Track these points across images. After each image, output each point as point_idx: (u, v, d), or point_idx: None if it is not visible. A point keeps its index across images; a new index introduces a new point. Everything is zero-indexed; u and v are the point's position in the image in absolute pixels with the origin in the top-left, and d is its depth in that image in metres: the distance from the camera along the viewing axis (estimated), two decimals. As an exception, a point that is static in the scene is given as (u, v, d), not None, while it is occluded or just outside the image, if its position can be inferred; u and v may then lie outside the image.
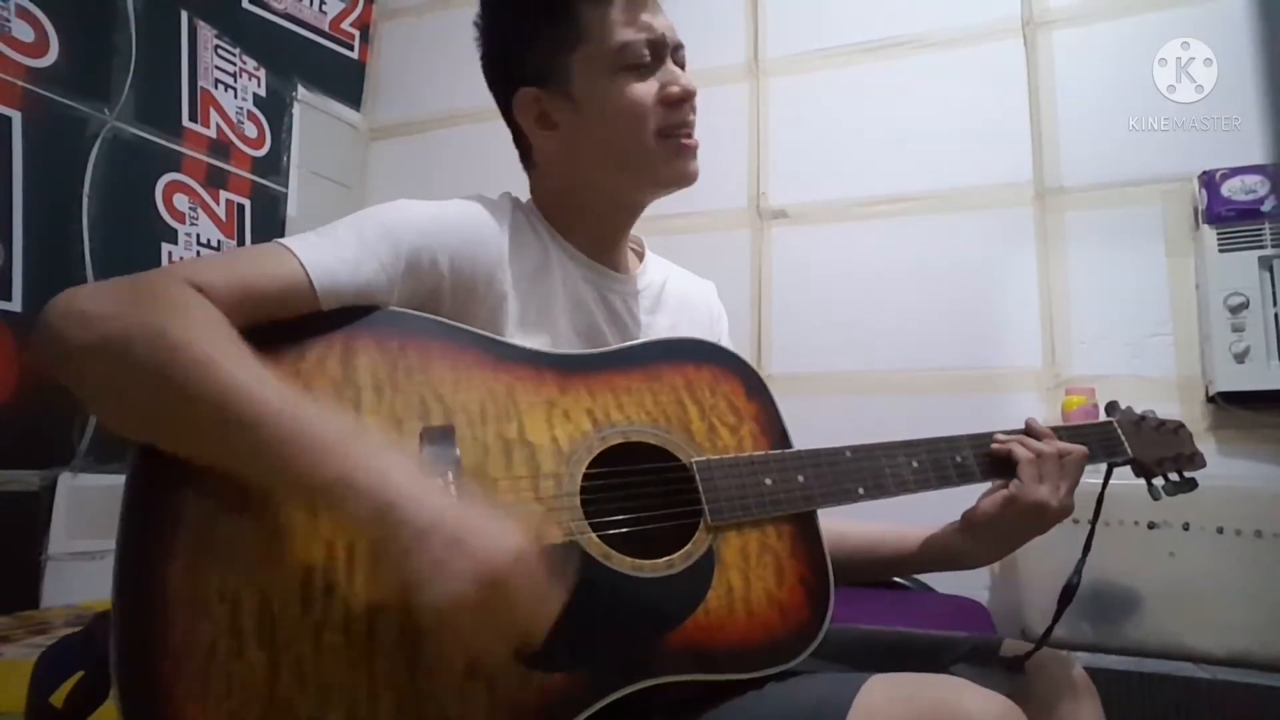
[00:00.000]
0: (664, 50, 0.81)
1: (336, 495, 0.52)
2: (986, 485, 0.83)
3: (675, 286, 0.95)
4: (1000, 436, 0.83)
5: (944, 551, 0.83)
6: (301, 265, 0.64)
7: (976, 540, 0.81)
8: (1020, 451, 0.80)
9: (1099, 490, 0.87)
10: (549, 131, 0.82)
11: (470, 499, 0.56)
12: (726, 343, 0.98)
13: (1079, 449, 0.81)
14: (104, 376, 0.56)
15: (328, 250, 0.66)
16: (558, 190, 0.86)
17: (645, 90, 0.79)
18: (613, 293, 0.86)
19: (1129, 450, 0.89)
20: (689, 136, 0.82)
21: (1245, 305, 1.54)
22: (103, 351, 0.55)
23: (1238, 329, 1.54)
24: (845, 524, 0.87)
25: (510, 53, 0.84)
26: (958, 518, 0.83)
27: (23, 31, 1.63)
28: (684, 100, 0.81)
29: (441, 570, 0.50)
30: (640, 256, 0.94)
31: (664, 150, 0.81)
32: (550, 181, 0.86)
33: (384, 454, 0.55)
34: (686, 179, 0.82)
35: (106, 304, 0.56)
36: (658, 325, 0.89)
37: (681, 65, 0.83)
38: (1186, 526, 1.37)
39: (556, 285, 0.81)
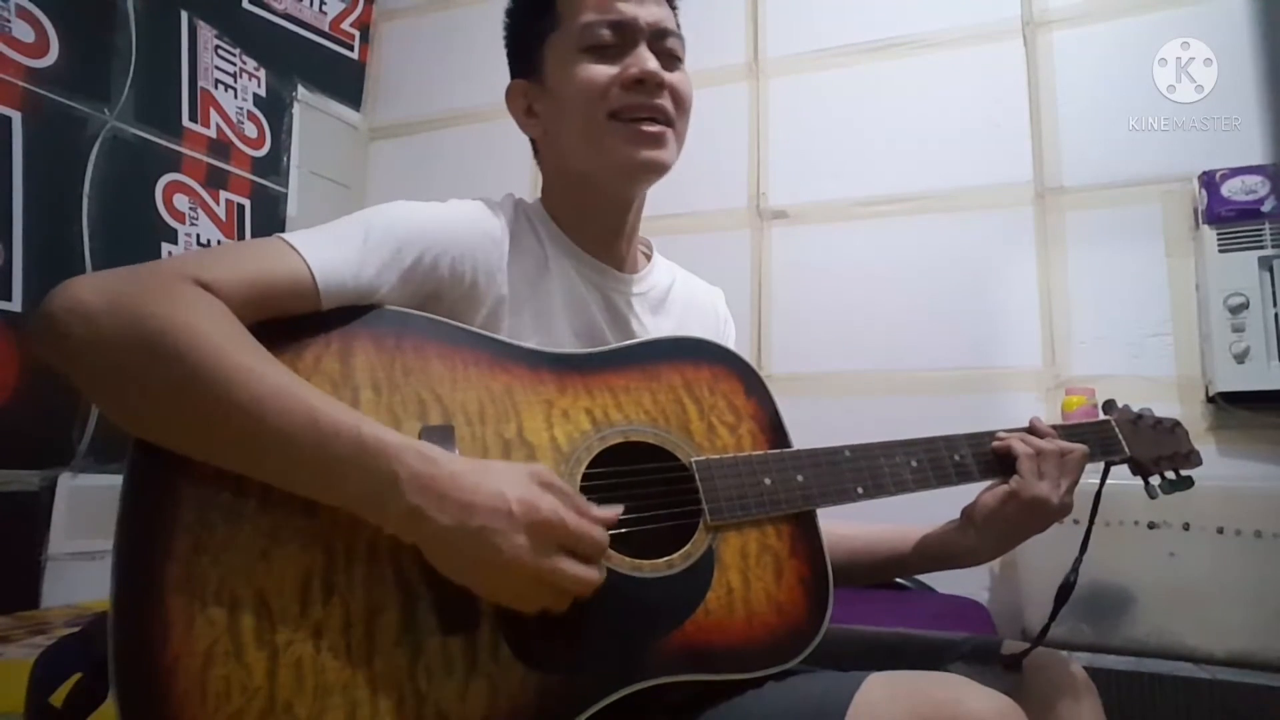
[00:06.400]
0: (634, 34, 0.78)
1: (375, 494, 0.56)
2: (985, 484, 0.83)
3: (682, 290, 0.95)
4: (1001, 434, 0.83)
5: (944, 549, 0.83)
6: (306, 264, 0.63)
7: (976, 537, 0.80)
8: (1020, 447, 0.80)
9: (1096, 489, 0.87)
10: (533, 120, 0.84)
11: (466, 465, 0.58)
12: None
13: (1079, 447, 0.81)
14: (110, 372, 0.55)
15: (331, 249, 0.66)
16: (554, 182, 0.87)
17: (601, 71, 0.77)
18: (615, 292, 0.86)
19: (1126, 449, 0.88)
20: (649, 122, 0.78)
21: (1245, 305, 1.54)
22: (109, 348, 0.54)
23: (1238, 329, 1.54)
24: (845, 525, 0.87)
25: (510, 49, 0.87)
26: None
27: (23, 31, 1.63)
28: (640, 81, 0.77)
29: (493, 546, 0.55)
30: (648, 259, 0.93)
31: (617, 133, 0.78)
32: (548, 172, 0.88)
33: (397, 442, 0.57)
34: (639, 166, 0.78)
35: (110, 299, 0.55)
36: (661, 327, 0.88)
37: (671, 54, 0.81)
38: (1186, 526, 1.37)
39: (554, 286, 0.80)
